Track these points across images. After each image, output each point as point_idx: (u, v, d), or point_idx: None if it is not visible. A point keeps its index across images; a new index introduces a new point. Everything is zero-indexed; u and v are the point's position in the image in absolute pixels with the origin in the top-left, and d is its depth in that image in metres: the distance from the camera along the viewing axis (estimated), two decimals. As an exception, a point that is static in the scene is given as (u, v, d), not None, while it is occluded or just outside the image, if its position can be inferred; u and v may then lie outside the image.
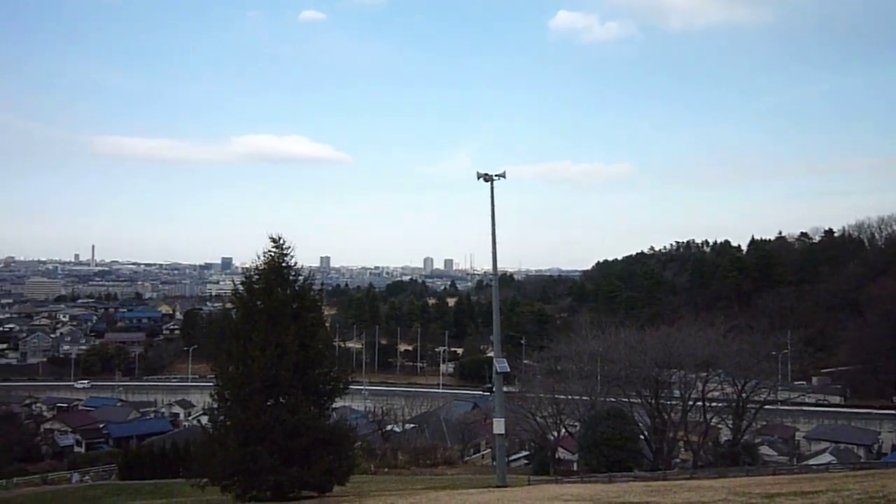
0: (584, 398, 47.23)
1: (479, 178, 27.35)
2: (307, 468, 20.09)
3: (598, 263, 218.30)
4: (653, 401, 44.84)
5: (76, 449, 74.70)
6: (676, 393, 46.16)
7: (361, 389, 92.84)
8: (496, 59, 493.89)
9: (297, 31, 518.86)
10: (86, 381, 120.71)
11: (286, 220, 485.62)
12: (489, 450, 63.66)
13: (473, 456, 64.12)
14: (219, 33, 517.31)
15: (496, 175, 27.35)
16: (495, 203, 27.33)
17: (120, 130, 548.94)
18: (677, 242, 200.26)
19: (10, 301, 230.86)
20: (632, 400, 45.70)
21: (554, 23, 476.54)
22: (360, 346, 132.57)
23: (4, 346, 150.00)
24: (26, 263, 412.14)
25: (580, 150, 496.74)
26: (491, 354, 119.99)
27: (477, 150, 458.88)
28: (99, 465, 59.27)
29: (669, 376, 46.23)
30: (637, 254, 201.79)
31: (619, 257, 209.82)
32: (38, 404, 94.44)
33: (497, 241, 27.51)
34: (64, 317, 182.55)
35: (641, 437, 43.50)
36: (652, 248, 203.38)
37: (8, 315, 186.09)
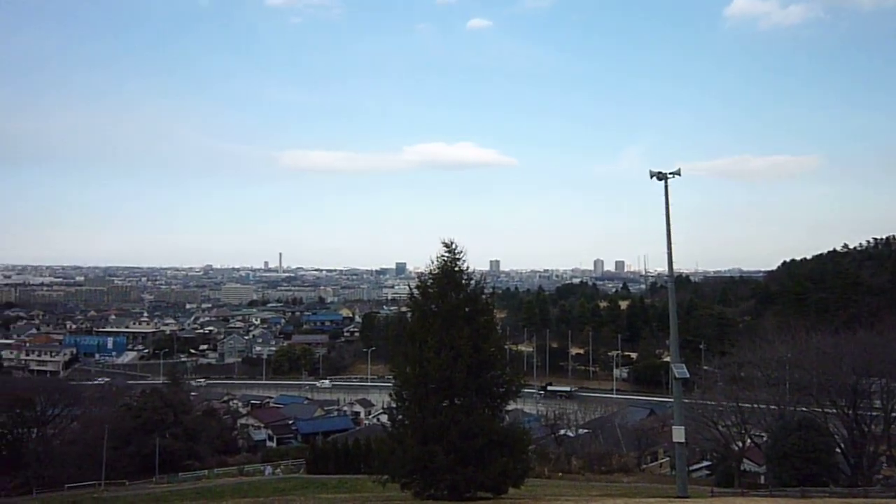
0: (772, 407, 44.33)
1: (651, 176, 26.32)
2: (482, 469, 20.23)
3: (784, 263, 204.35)
4: (850, 411, 41.18)
5: (268, 444, 79.89)
6: (877, 403, 42.25)
7: (533, 393, 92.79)
8: (666, 52, 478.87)
9: (464, 40, 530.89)
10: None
11: (456, 224, 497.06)
12: (667, 458, 61.25)
13: (651, 464, 61.92)
14: (390, 47, 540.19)
15: (670, 173, 26.20)
16: (670, 201, 26.24)
17: (303, 145, 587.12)
18: (875, 239, 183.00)
19: (209, 305, 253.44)
20: (826, 410, 42.26)
21: (729, 11, 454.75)
22: (531, 349, 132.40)
23: (205, 346, 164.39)
24: (223, 271, 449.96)
25: (761, 142, 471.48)
26: (667, 359, 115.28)
27: (648, 148, 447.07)
28: (288, 459, 63.14)
29: (869, 385, 42.38)
30: (829, 252, 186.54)
31: (808, 256, 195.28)
32: (235, 401, 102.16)
33: (672, 241, 26.41)
34: (256, 320, 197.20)
35: (837, 450, 40.11)
36: (846, 246, 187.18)
37: (208, 318, 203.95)
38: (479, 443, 20.12)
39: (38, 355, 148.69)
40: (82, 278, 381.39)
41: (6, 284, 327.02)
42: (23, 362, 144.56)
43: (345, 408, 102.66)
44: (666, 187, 26.20)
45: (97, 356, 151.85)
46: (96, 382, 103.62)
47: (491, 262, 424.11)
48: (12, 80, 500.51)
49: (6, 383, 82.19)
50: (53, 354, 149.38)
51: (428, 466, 20.15)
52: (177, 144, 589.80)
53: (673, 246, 26.42)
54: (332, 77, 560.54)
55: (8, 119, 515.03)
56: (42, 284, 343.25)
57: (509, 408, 23.74)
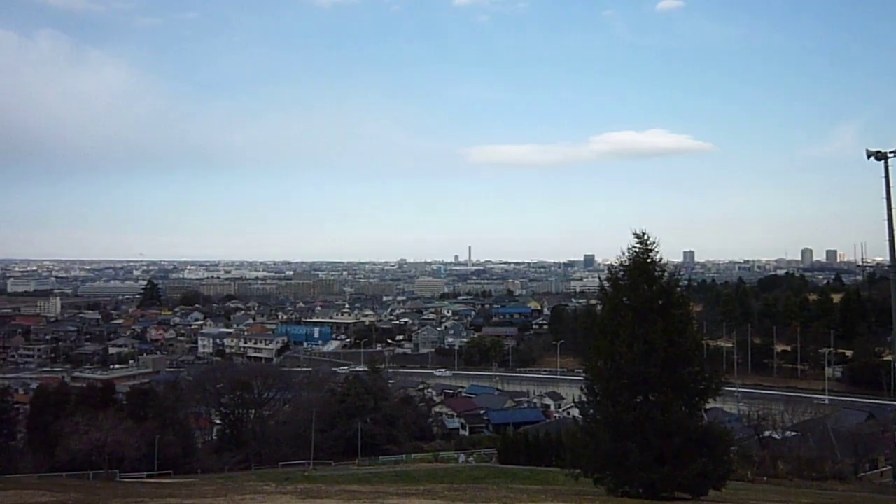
0: None
1: (869, 156, 24.05)
2: (679, 468, 19.45)
3: None
4: None
5: (461, 432, 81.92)
6: None
7: (735, 391, 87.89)
8: (880, 19, 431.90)
9: (654, 23, 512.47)
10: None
11: (647, 214, 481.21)
12: (889, 466, 55.59)
13: (869, 472, 56.48)
14: (576, 37, 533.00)
15: (891, 152, 23.78)
16: (890, 184, 23.77)
17: (492, 140, 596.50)
18: None
19: (404, 298, 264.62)
20: None
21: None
22: (731, 345, 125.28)
23: (401, 337, 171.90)
24: (415, 265, 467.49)
25: None
26: (888, 358, 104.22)
27: (865, 125, 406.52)
28: (480, 448, 64.45)
29: None
30: None
31: None
32: (429, 389, 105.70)
33: (895, 226, 23.89)
34: (447, 312, 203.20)
35: None
36: None
37: (403, 310, 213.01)
38: (676, 441, 19.37)
39: (255, 343, 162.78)
40: (291, 273, 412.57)
41: (227, 279, 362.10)
42: (241, 349, 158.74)
43: (535, 400, 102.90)
44: (886, 168, 23.83)
45: (305, 344, 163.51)
46: (304, 369, 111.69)
47: (684, 252, 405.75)
48: (234, 94, 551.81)
49: (228, 368, 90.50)
50: (267, 342, 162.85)
51: (622, 463, 19.71)
52: (370, 142, 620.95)
53: (896, 233, 23.94)
54: (520, 71, 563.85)
55: (228, 131, 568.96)
56: (257, 279, 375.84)
57: (707, 406, 22.65)
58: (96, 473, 47.27)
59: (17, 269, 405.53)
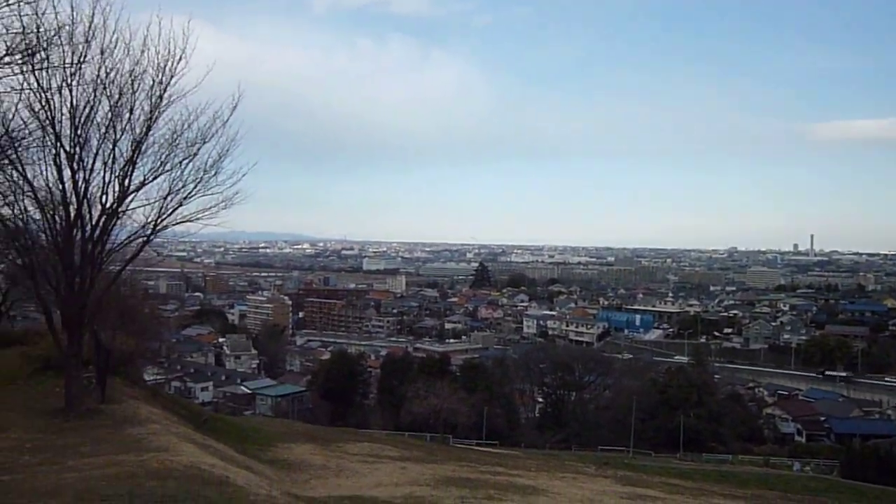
0: None
1: None
2: None
3: None
4: None
5: (796, 438, 75.33)
6: None
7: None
8: None
9: None
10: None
11: None
12: None
13: None
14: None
15: None
16: None
17: (842, 114, 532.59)
18: None
19: (733, 289, 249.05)
20: None
21: None
22: None
23: (729, 330, 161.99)
24: (747, 254, 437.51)
25: None
26: None
27: None
28: (819, 458, 58.52)
29: None
30: None
31: None
32: (760, 389, 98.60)
33: None
34: (784, 306, 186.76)
35: None
36: None
37: (732, 301, 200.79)
38: None
39: (576, 327, 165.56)
40: (613, 259, 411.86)
41: (551, 263, 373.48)
42: (563, 332, 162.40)
43: (889, 411, 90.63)
44: None
45: (625, 331, 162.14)
46: (625, 356, 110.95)
47: None
48: (561, 83, 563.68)
49: (551, 349, 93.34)
50: (588, 327, 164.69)
51: None
52: (699, 123, 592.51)
53: None
54: (872, 37, 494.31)
55: (554, 119, 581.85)
56: (579, 263, 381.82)
57: None
58: (433, 436, 51.78)
59: (371, 249, 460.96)
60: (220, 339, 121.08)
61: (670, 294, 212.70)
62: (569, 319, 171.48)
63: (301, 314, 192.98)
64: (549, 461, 31.18)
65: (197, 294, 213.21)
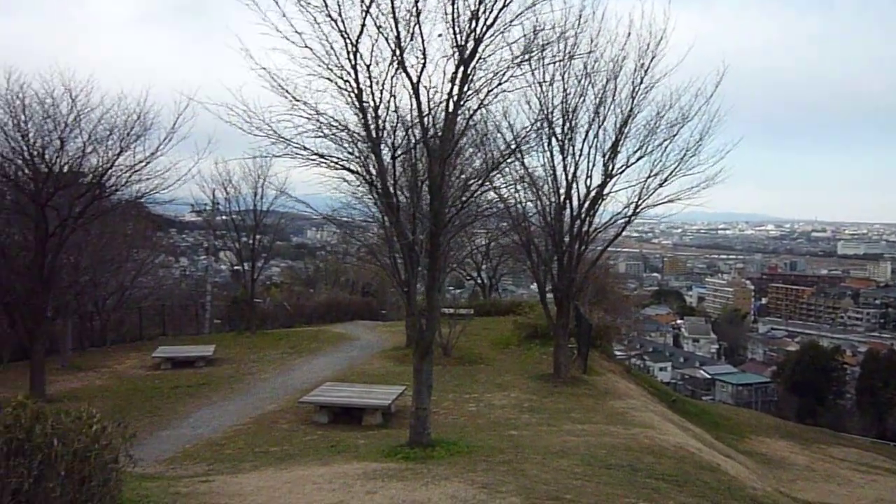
0: None
1: None
2: None
3: None
4: None
5: None
6: None
7: None
8: None
9: None
10: None
11: None
12: None
13: None
14: None
15: None
16: None
17: None
18: None
19: None
20: None
21: None
22: None
23: None
24: None
25: None
26: None
27: None
28: None
29: None
30: None
31: None
32: None
33: None
34: None
35: None
36: None
37: None
38: None
39: None
40: None
41: None
42: None
43: None
44: None
45: None
46: None
47: None
48: None
49: None
50: None
51: None
52: None
53: None
54: None
55: None
56: None
57: None
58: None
59: (847, 231, 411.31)
60: (679, 321, 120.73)
61: None
62: None
63: (764, 300, 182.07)
64: None
65: (654, 275, 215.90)
